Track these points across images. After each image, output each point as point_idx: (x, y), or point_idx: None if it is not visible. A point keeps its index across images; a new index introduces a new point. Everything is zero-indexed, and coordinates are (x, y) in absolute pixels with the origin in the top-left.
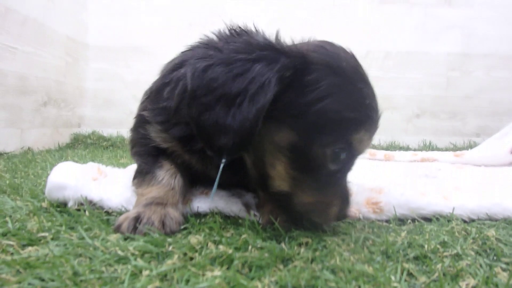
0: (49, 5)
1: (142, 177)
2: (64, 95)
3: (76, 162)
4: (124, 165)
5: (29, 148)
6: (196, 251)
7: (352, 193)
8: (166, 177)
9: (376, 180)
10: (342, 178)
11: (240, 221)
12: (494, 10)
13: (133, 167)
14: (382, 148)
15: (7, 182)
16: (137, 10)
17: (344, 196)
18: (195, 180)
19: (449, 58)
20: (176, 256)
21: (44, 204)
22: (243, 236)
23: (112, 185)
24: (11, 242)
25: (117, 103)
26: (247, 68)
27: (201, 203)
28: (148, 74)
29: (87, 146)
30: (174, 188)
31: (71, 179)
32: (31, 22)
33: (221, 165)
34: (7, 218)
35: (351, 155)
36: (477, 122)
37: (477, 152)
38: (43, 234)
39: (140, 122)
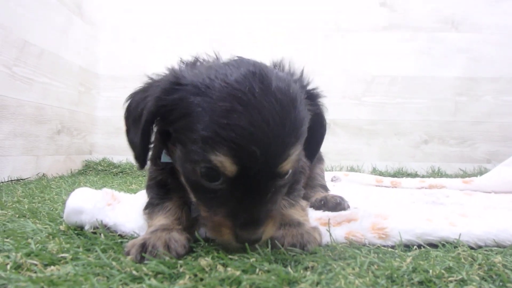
0: (63, 38)
1: (152, 208)
2: (76, 124)
3: (89, 187)
4: (134, 191)
5: (44, 175)
6: (206, 272)
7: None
8: (174, 207)
9: (382, 206)
10: (241, 202)
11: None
12: (501, 33)
13: (144, 192)
14: (389, 175)
15: (26, 206)
16: (146, 41)
17: (242, 222)
18: None
19: (456, 82)
20: (187, 277)
21: (62, 227)
22: (252, 259)
23: (125, 211)
24: (35, 262)
25: None
26: (148, 93)
27: None
28: None
29: (98, 172)
30: (180, 218)
31: (88, 204)
32: (47, 54)
33: None
34: (30, 240)
35: (227, 177)
36: (487, 147)
37: (487, 178)
38: (63, 255)
39: (149, 159)
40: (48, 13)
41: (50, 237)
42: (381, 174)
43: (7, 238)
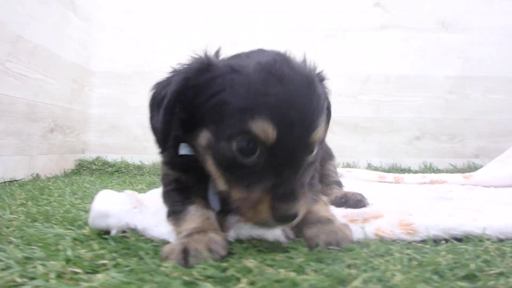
0: (56, 33)
1: (176, 215)
2: (69, 122)
3: (88, 188)
4: (143, 191)
5: (37, 175)
6: (255, 274)
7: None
8: (199, 209)
9: (401, 203)
10: (278, 174)
11: (281, 244)
12: (490, 34)
13: (155, 192)
14: (384, 171)
15: (35, 210)
16: (141, 36)
17: (281, 194)
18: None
19: (448, 81)
20: (245, 280)
21: (86, 232)
22: (299, 260)
23: (153, 214)
24: (77, 270)
25: (122, 129)
26: (173, 78)
27: (240, 230)
28: None
29: (92, 172)
30: (209, 218)
31: (114, 207)
32: (40, 50)
33: None
34: (59, 246)
35: (265, 147)
36: (476, 143)
37: (485, 173)
38: (103, 261)
39: (162, 162)
40: (42, 8)
41: (78, 242)
42: (376, 169)
43: (28, 244)
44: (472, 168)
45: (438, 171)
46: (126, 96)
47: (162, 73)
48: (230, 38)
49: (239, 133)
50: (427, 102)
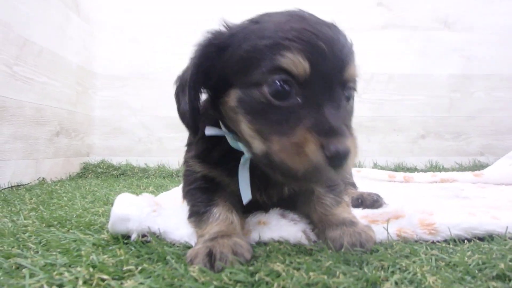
0: (60, 35)
1: (199, 216)
2: (74, 125)
3: (96, 192)
4: (154, 194)
5: (43, 179)
6: (285, 278)
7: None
8: (223, 212)
9: (418, 202)
10: (318, 111)
11: (304, 247)
12: (493, 33)
13: (172, 194)
14: (390, 169)
15: (48, 214)
16: (141, 37)
17: (326, 130)
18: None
19: (451, 80)
20: (275, 284)
21: (105, 236)
22: (328, 262)
23: (172, 217)
24: (104, 276)
25: (125, 131)
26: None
27: (262, 233)
28: (155, 101)
29: (97, 175)
30: (233, 222)
31: (134, 211)
32: (46, 53)
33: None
34: (81, 252)
35: (299, 84)
36: (480, 141)
37: (498, 170)
38: (128, 267)
39: (185, 160)
40: (46, 10)
41: (98, 247)
42: (382, 169)
43: (47, 250)
44: (478, 166)
45: (444, 169)
46: (128, 97)
47: (162, 73)
48: None
49: (270, 73)
50: (430, 101)
